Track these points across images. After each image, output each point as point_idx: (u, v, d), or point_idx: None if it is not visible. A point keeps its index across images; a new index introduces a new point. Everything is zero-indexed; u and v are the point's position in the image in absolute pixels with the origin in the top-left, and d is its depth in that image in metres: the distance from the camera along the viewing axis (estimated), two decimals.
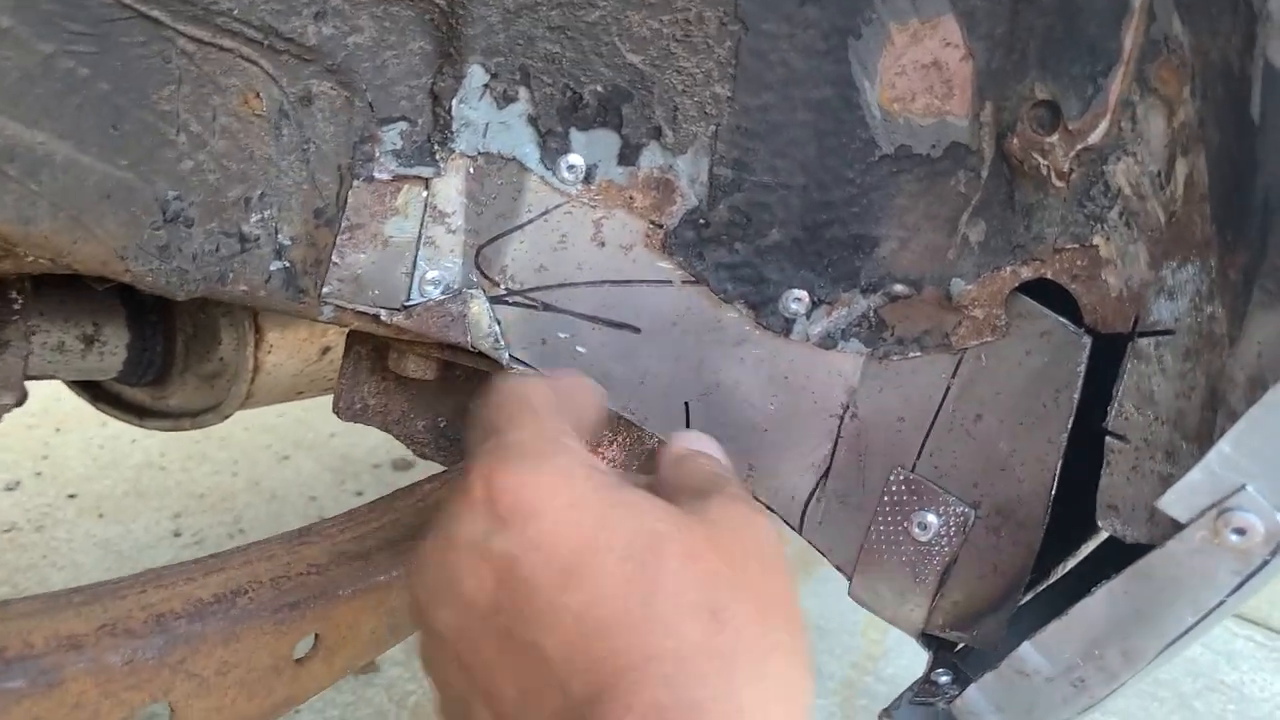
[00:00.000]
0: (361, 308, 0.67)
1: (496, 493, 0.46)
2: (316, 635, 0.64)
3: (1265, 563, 0.47)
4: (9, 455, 2.26)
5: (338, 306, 0.66)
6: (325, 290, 0.65)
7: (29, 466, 2.25)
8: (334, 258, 0.65)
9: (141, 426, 1.13)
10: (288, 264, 0.64)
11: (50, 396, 2.50)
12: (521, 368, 0.68)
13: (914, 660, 1.90)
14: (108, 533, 2.07)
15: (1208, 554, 0.48)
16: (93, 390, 1.16)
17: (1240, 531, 0.46)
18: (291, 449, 2.41)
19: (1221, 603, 0.48)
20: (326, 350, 1.07)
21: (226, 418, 1.05)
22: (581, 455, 0.49)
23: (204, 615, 0.58)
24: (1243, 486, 0.46)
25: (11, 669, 0.51)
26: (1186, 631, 0.50)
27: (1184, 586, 0.49)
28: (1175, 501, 0.48)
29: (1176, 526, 0.49)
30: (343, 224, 0.64)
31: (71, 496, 2.18)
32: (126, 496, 2.20)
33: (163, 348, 1.06)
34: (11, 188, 0.53)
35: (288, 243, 0.64)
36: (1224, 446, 0.46)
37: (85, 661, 0.53)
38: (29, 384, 1.00)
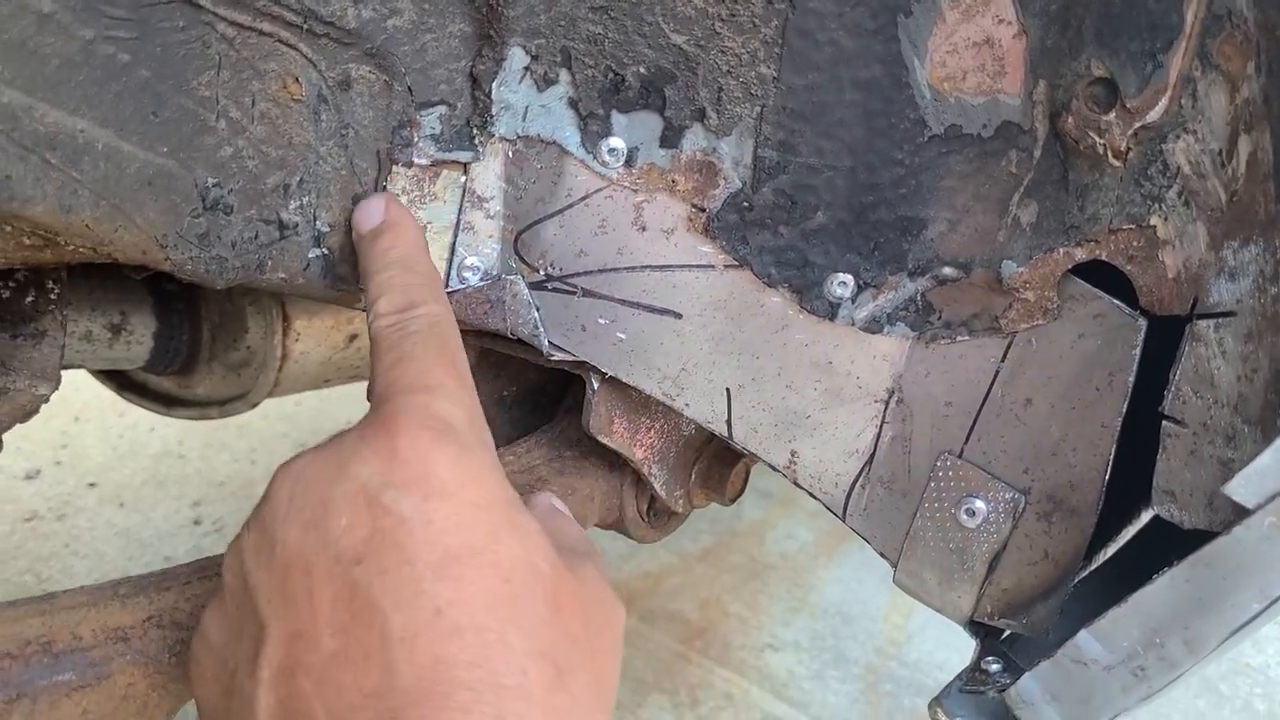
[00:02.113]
0: None
1: (415, 456, 0.45)
2: None
3: None
4: (29, 444, 2.26)
5: None
6: None
7: (49, 455, 2.25)
8: None
9: (168, 415, 1.12)
10: (326, 251, 0.63)
11: (69, 386, 2.50)
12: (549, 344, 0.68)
13: (937, 645, 1.90)
14: (128, 521, 2.07)
15: (1276, 540, 0.47)
16: (118, 379, 1.16)
17: None
18: (309, 437, 2.41)
19: None
20: (353, 338, 1.06)
21: (254, 406, 1.05)
22: (494, 457, 0.49)
23: None
24: None
25: (61, 662, 0.50)
26: (1252, 620, 0.49)
27: (1250, 574, 0.48)
28: (1242, 486, 0.47)
29: (1240, 512, 0.48)
30: None
31: (92, 485, 2.18)
32: (146, 485, 2.20)
33: (189, 336, 1.05)
34: (53, 176, 0.52)
35: (326, 230, 0.63)
36: None
37: (133, 654, 0.53)
38: None
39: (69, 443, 2.29)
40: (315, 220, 0.62)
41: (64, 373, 1.05)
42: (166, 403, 1.13)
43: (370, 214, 0.61)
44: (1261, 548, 0.47)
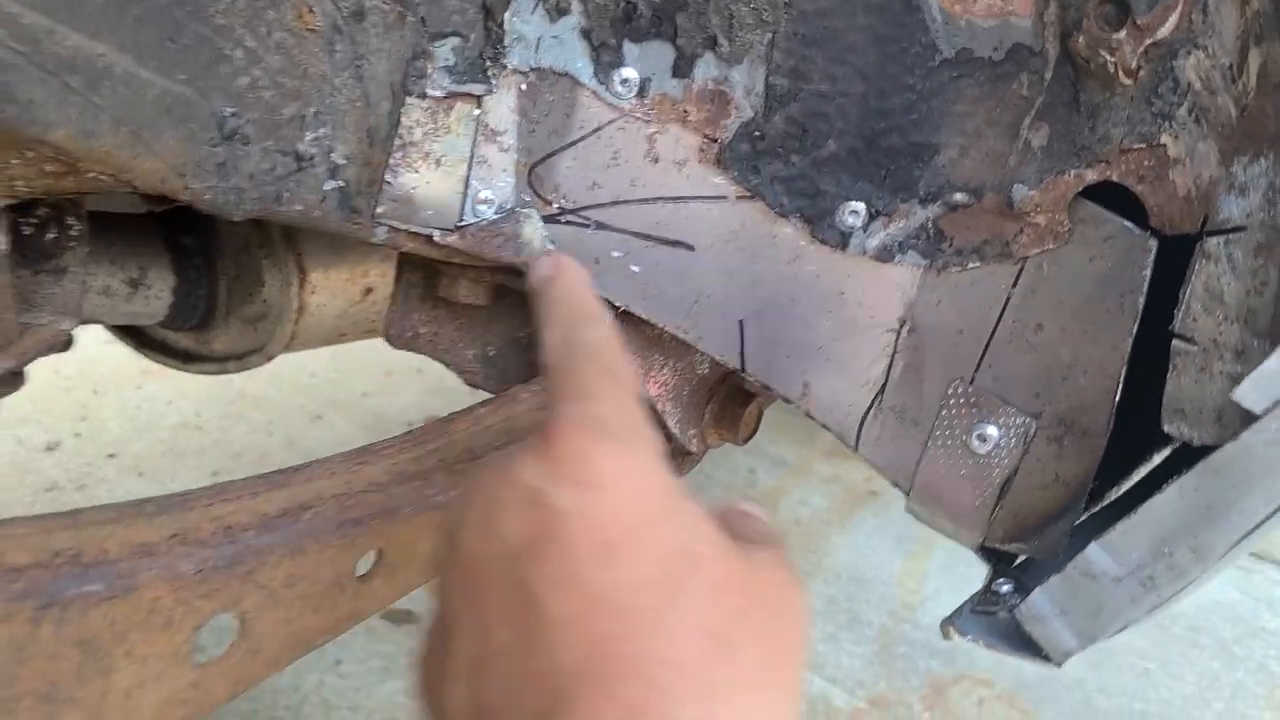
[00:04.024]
0: (415, 228, 0.67)
1: (571, 453, 0.46)
2: (379, 552, 0.65)
3: None
4: (48, 417, 2.29)
5: (391, 228, 0.66)
6: (379, 211, 0.65)
7: (68, 428, 2.28)
8: (387, 177, 0.64)
9: (186, 370, 1.13)
10: (342, 183, 0.64)
11: (86, 359, 2.53)
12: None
13: (951, 608, 1.90)
14: (147, 491, 2.08)
15: None
16: (137, 337, 1.17)
17: None
18: (325, 408, 2.43)
19: None
20: (369, 291, 1.07)
21: (271, 359, 1.05)
22: (657, 451, 0.50)
23: (270, 528, 0.59)
24: None
25: (89, 574, 0.51)
26: (1259, 525, 0.49)
27: (1258, 479, 0.48)
28: (1251, 392, 0.47)
29: (1248, 419, 0.48)
30: (395, 143, 0.64)
31: (111, 456, 2.20)
32: (164, 456, 2.22)
33: (207, 291, 1.06)
34: (75, 100, 0.53)
35: (342, 162, 0.63)
36: None
37: (159, 568, 0.54)
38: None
39: (88, 415, 2.31)
40: (331, 152, 0.63)
41: (83, 347, 1.06)
42: (184, 359, 1.14)
43: (541, 267, 0.64)
44: (1269, 452, 0.47)
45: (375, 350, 2.83)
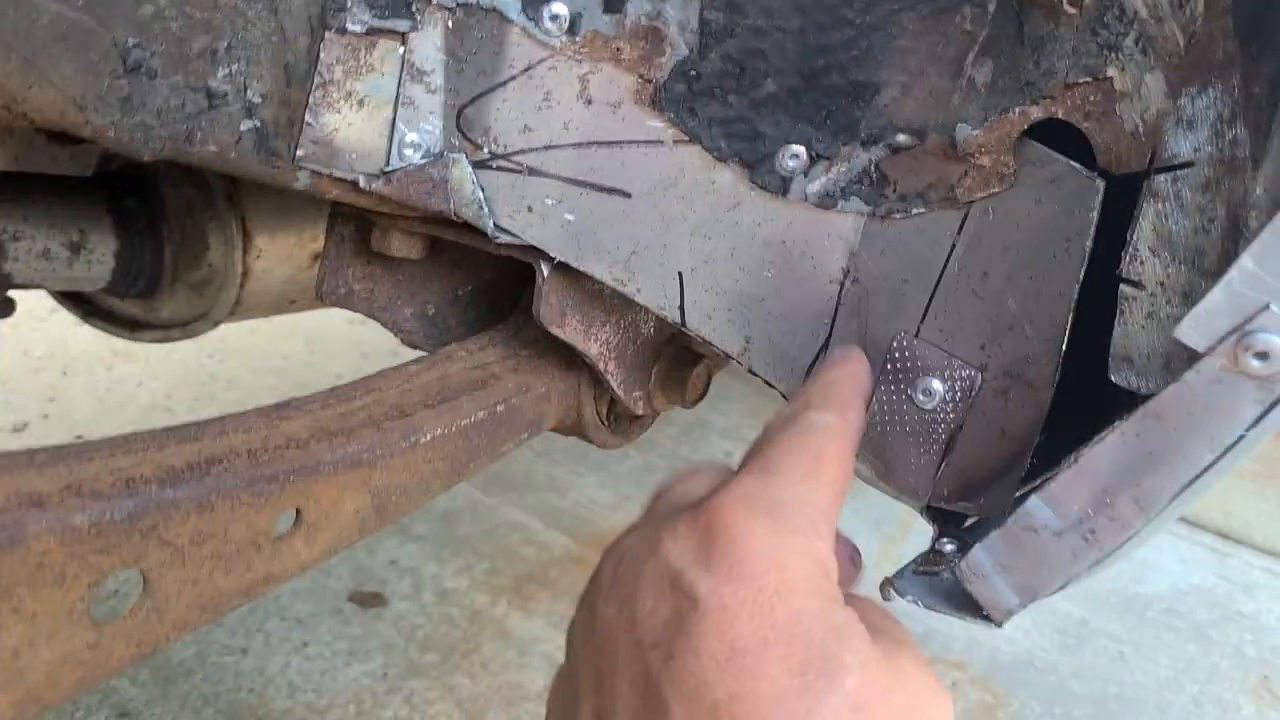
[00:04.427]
0: (339, 173, 0.64)
1: (725, 532, 0.43)
2: (298, 511, 0.62)
3: None
4: (17, 398, 2.25)
5: (314, 172, 0.64)
6: (299, 154, 0.62)
7: (36, 409, 2.24)
8: (307, 118, 0.62)
9: (133, 340, 1.11)
10: (258, 124, 0.61)
11: (57, 340, 2.50)
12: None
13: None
14: None
15: (1227, 384, 0.45)
16: (84, 306, 1.14)
17: (1263, 356, 0.43)
18: (299, 391, 2.40)
19: (1241, 437, 0.45)
20: (317, 257, 1.04)
21: (217, 324, 1.03)
22: (826, 547, 0.46)
23: (176, 482, 0.56)
24: (1266, 306, 0.43)
25: None
26: (1204, 471, 0.47)
27: (1201, 422, 0.46)
28: (1193, 329, 0.45)
29: (1191, 358, 0.45)
30: (315, 81, 0.61)
31: (79, 438, 2.16)
32: None
33: (151, 257, 1.04)
34: None
35: (258, 100, 0.61)
36: (1246, 262, 0.43)
37: (49, 520, 0.51)
38: (34, 331, 0.99)
39: (57, 396, 2.28)
40: (246, 90, 0.60)
41: (53, 327, 1.04)
42: (131, 326, 1.11)
43: (834, 352, 0.62)
44: (1212, 392, 0.45)
45: (351, 333, 2.81)
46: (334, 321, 2.54)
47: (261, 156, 0.62)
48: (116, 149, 0.58)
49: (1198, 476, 0.47)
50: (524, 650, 1.66)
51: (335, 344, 2.58)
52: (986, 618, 0.55)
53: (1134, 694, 1.70)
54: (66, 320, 2.54)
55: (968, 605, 0.56)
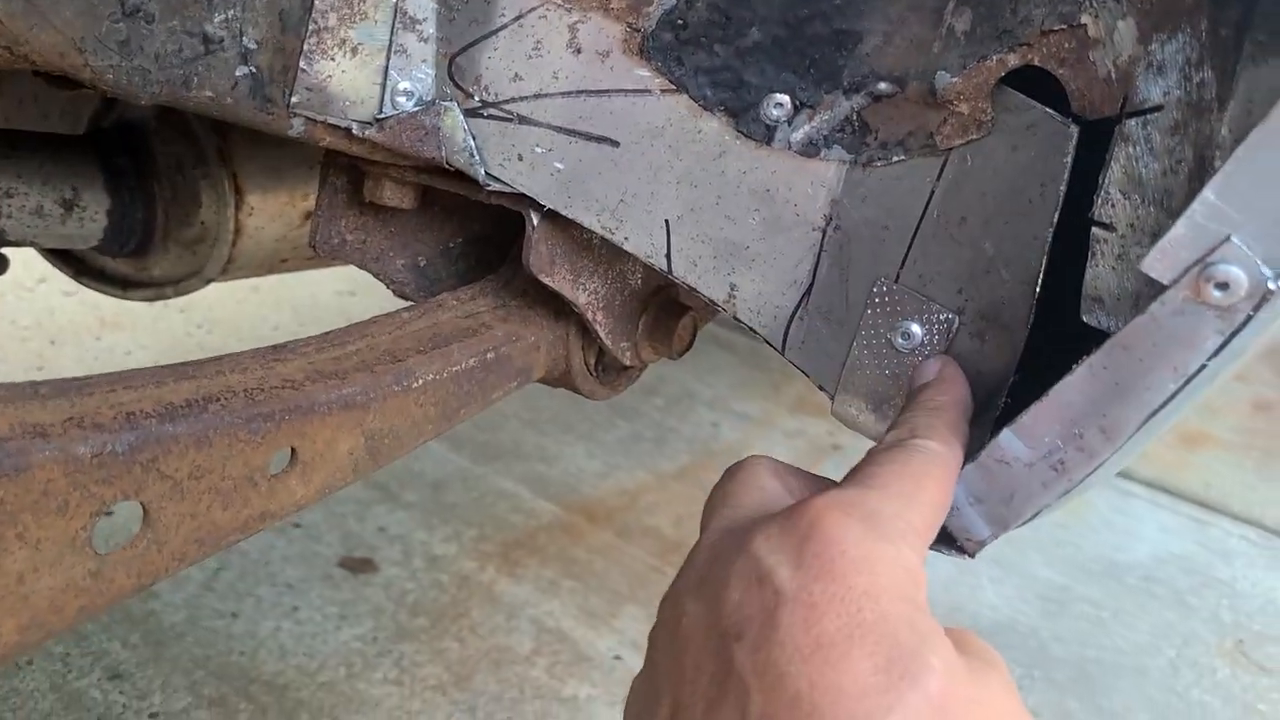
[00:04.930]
0: (332, 120, 0.65)
1: (817, 534, 0.44)
2: (293, 450, 0.64)
3: (1249, 319, 0.45)
4: (3, 366, 2.25)
5: (308, 119, 0.65)
6: (293, 100, 0.64)
7: (23, 378, 2.24)
8: (301, 64, 0.63)
9: (125, 298, 1.12)
10: (254, 69, 0.62)
11: (44, 310, 2.50)
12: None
13: None
14: None
15: (1190, 314, 0.46)
16: (76, 265, 1.15)
17: (1223, 286, 0.45)
18: None
19: (1203, 366, 0.47)
20: (309, 215, 1.05)
21: (208, 282, 1.04)
22: (915, 566, 0.46)
23: (175, 417, 0.58)
24: (1227, 238, 0.45)
25: None
26: (1168, 401, 0.49)
27: (1165, 352, 0.48)
28: (1157, 262, 0.47)
29: (1157, 290, 0.47)
30: (309, 27, 0.62)
31: None
32: None
33: (143, 215, 1.05)
34: None
35: (253, 46, 0.62)
36: (1208, 195, 0.45)
37: (53, 450, 0.52)
38: (21, 301, 0.99)
39: (45, 365, 2.28)
40: (241, 36, 0.61)
41: (40, 297, 1.05)
42: (123, 285, 1.12)
43: (927, 370, 0.62)
44: (1175, 323, 0.47)
45: (338, 303, 2.80)
46: (322, 292, 2.55)
47: (257, 103, 0.63)
48: (115, 93, 0.59)
49: (1162, 406, 0.49)
50: (512, 614, 1.68)
51: (323, 314, 2.58)
52: (960, 549, 0.58)
53: (1113, 658, 1.74)
54: (54, 290, 2.54)
55: (942, 538, 0.58)
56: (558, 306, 0.77)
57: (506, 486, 2.00)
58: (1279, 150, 0.42)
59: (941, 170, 0.61)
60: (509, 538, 1.86)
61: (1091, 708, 1.62)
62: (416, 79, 0.65)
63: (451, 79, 0.66)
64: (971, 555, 0.57)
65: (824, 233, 0.65)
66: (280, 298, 2.53)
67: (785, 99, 0.63)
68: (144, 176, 1.04)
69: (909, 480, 0.50)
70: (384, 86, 0.65)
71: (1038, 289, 0.59)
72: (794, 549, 0.44)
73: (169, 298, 1.07)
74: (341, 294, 2.62)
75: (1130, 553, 2.00)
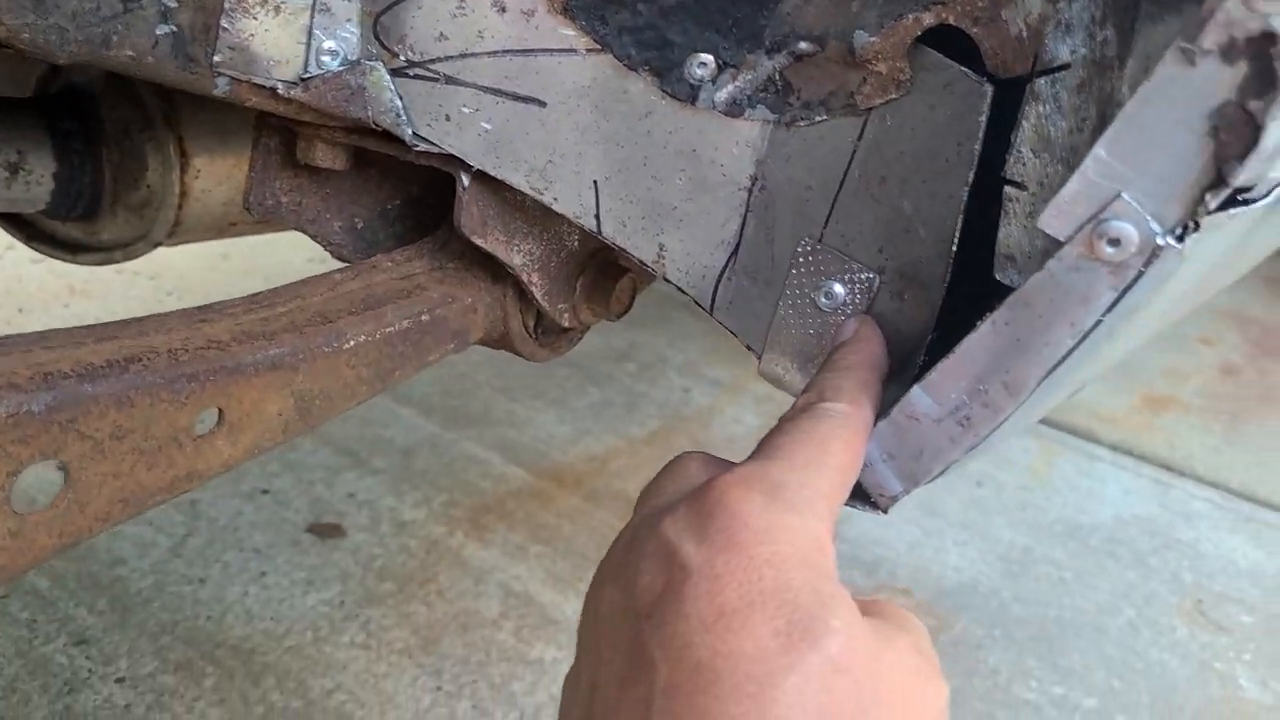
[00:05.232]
0: (257, 80, 0.65)
1: (720, 510, 0.44)
2: (220, 411, 0.64)
3: (1140, 275, 0.46)
4: None
5: (232, 79, 0.65)
6: (216, 60, 0.63)
7: None
8: (223, 23, 0.63)
9: (75, 262, 1.11)
10: (174, 28, 0.62)
11: (12, 278, 2.49)
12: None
13: (876, 523, 1.92)
14: None
15: (1085, 270, 0.47)
16: (27, 230, 1.15)
17: (1115, 243, 0.46)
18: None
19: (1099, 322, 0.48)
20: None
21: (156, 245, 1.04)
22: (819, 533, 0.46)
23: (94, 377, 0.58)
24: (1118, 194, 0.45)
25: None
26: (1066, 356, 0.49)
27: (1062, 308, 0.48)
28: (1053, 218, 0.47)
29: (1055, 246, 0.48)
30: None
31: None
32: None
33: (91, 179, 1.04)
34: None
35: (173, 4, 0.61)
36: (1099, 151, 0.45)
37: None
38: None
39: (14, 332, 2.28)
40: None
41: (9, 265, 1.04)
42: (73, 249, 1.12)
43: (845, 330, 0.62)
44: (1071, 279, 0.47)
45: (310, 271, 2.80)
46: (293, 260, 2.54)
47: (179, 62, 0.63)
48: (32, 52, 0.59)
49: (1060, 362, 0.50)
50: (480, 579, 1.69)
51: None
52: (874, 505, 0.58)
53: (1073, 617, 1.76)
54: (22, 258, 2.52)
55: (857, 494, 0.58)
56: (495, 269, 0.77)
57: (476, 452, 2.01)
58: (1165, 106, 0.43)
59: (862, 130, 0.61)
60: (478, 503, 1.87)
61: (1049, 666, 1.64)
62: (341, 38, 0.65)
63: (377, 38, 0.65)
64: (884, 510, 0.58)
65: (750, 192, 0.66)
66: (252, 265, 2.52)
67: (709, 58, 0.63)
68: (91, 140, 1.03)
69: (815, 446, 0.50)
70: (308, 46, 0.65)
71: (954, 248, 0.60)
72: (699, 526, 0.45)
73: (118, 261, 1.07)
74: (313, 261, 2.61)
75: (1094, 515, 2.02)
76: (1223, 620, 1.78)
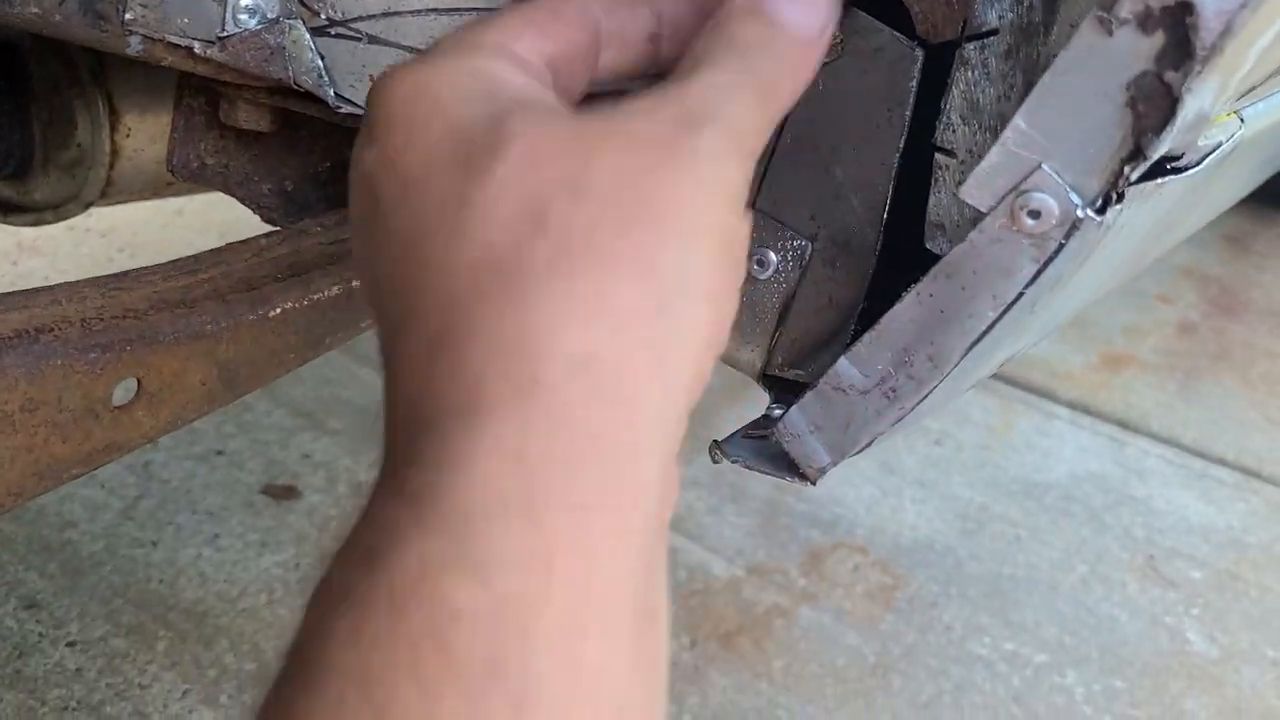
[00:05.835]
0: (172, 39, 0.62)
1: (377, 104, 0.39)
2: (139, 382, 0.62)
3: (1060, 246, 0.45)
4: None
5: (145, 37, 0.62)
6: (128, 17, 0.61)
7: None
8: None
9: (7, 223, 1.08)
10: None
11: None
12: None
13: (838, 483, 1.94)
14: None
15: (1006, 242, 0.46)
16: None
17: (1035, 214, 0.45)
18: None
19: (1021, 294, 0.47)
20: None
21: (89, 206, 1.01)
22: (488, 63, 0.38)
23: (3, 349, 0.56)
24: (1038, 165, 0.44)
25: None
26: (989, 328, 0.49)
27: (985, 279, 0.48)
28: (975, 189, 0.46)
29: (978, 217, 0.47)
30: None
31: None
32: None
33: (20, 138, 1.01)
34: None
35: None
36: (1019, 122, 0.44)
37: None
38: None
39: None
40: None
41: None
42: (4, 209, 1.09)
43: None
44: (993, 251, 0.46)
45: (265, 228, 2.74)
46: (250, 217, 2.50)
47: (89, 20, 0.61)
48: None
49: (984, 334, 0.49)
50: None
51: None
52: (803, 476, 0.58)
53: (1026, 574, 1.78)
54: None
55: (787, 465, 0.58)
56: None
57: None
58: (1083, 77, 0.42)
59: None
60: None
61: (1002, 622, 1.66)
62: None
63: None
64: (813, 482, 0.57)
65: None
66: (208, 221, 2.48)
67: None
68: (21, 99, 1.00)
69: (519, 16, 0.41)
70: (225, 3, 0.62)
71: (884, 215, 0.59)
72: (368, 131, 0.39)
73: (50, 222, 1.04)
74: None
75: (1049, 473, 2.04)
76: (1173, 576, 1.82)
